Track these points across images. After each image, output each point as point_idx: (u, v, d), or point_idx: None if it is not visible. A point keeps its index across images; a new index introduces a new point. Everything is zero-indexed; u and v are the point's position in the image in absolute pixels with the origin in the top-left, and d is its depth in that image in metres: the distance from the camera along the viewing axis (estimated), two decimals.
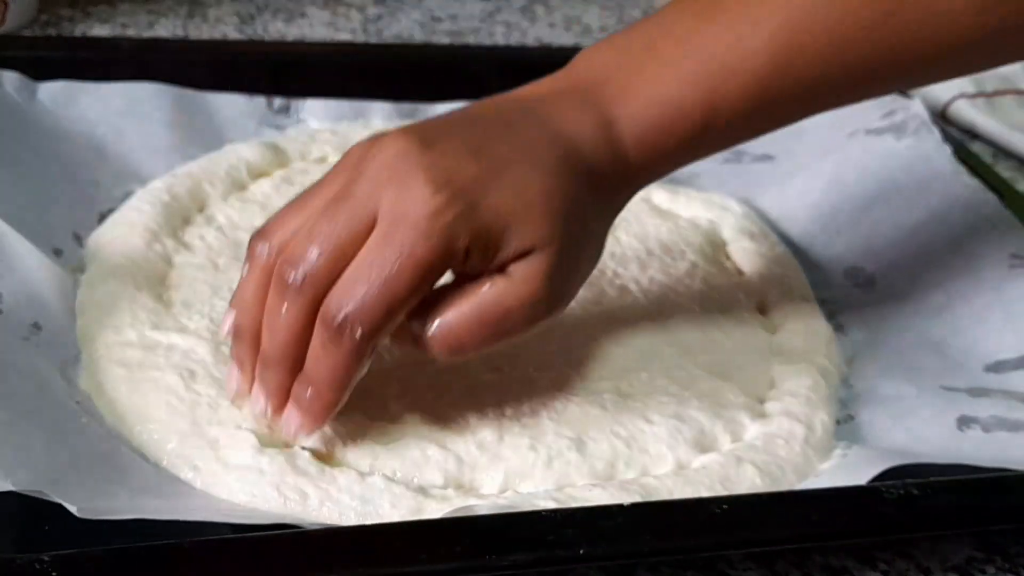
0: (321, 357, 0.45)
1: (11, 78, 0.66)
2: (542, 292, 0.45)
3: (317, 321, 0.44)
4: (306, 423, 0.47)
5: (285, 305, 0.45)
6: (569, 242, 0.46)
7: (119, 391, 0.50)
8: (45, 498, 0.42)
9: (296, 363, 0.46)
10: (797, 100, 0.50)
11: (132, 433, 0.49)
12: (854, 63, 0.49)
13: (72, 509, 0.41)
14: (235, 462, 0.47)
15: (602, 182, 0.48)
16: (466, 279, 0.46)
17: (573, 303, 0.58)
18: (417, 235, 0.43)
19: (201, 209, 0.63)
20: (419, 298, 0.44)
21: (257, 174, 0.66)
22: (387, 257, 0.43)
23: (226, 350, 0.53)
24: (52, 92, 0.67)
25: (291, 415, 0.47)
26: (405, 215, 0.43)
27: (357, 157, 0.46)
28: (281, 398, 0.47)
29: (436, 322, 0.45)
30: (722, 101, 0.48)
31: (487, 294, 0.45)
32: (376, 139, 0.46)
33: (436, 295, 0.46)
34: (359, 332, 0.43)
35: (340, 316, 0.43)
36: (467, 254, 0.44)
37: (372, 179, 0.44)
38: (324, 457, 0.48)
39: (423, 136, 0.45)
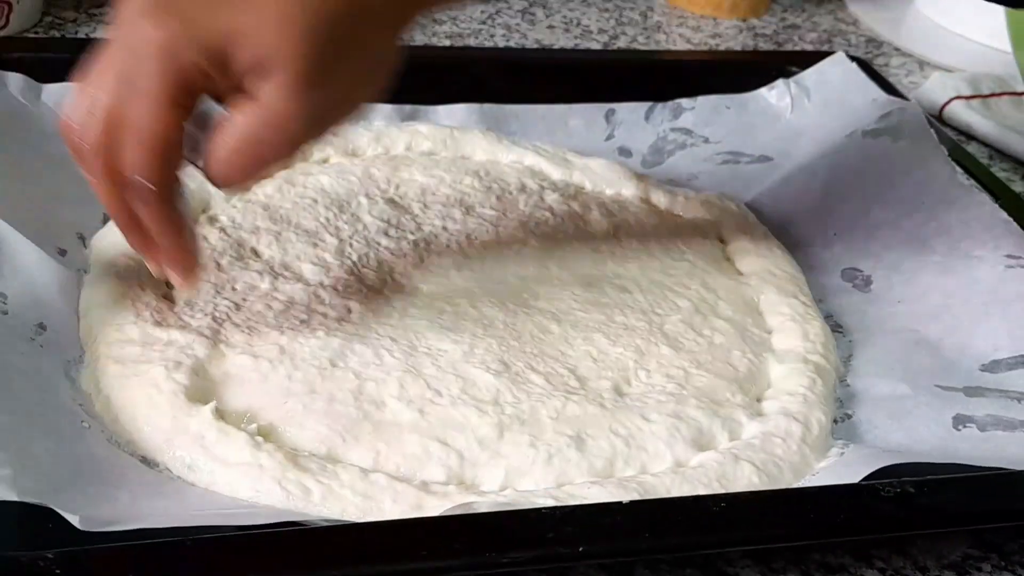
0: (143, 214, 0.47)
1: (16, 80, 0.67)
2: (290, 111, 0.45)
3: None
4: (176, 270, 0.49)
5: (95, 183, 0.47)
6: (321, 55, 0.44)
7: (112, 388, 0.51)
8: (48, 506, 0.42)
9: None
10: None
11: (127, 431, 0.49)
12: None
13: (74, 521, 0.41)
14: (235, 459, 0.47)
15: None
16: (233, 106, 0.46)
17: (573, 302, 0.59)
18: (146, 70, 0.44)
19: (204, 210, 0.63)
20: (179, 124, 0.45)
21: None
22: (131, 103, 0.44)
23: (224, 348, 0.53)
24: (56, 94, 0.67)
25: (168, 268, 0.50)
26: (138, 53, 0.44)
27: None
28: (153, 257, 0.50)
29: (207, 155, 0.46)
30: None
31: (239, 121, 0.46)
32: None
33: (217, 126, 0.46)
34: (146, 182, 0.46)
35: (123, 175, 0.46)
36: (206, 74, 0.44)
37: (117, 32, 0.46)
38: (326, 454, 0.49)
39: None
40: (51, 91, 0.68)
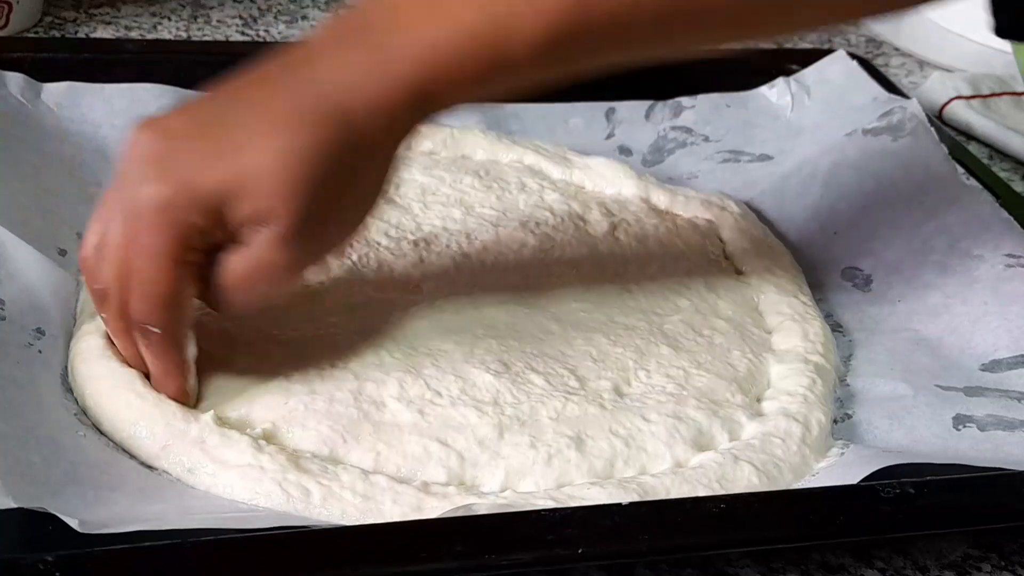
0: (147, 355, 0.49)
1: (15, 79, 0.67)
2: (279, 258, 0.47)
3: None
4: (177, 397, 0.50)
5: (106, 318, 0.49)
6: (312, 204, 0.46)
7: (87, 395, 0.50)
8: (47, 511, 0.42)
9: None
10: (595, 39, 0.48)
11: (120, 439, 0.49)
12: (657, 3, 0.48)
13: (73, 523, 0.41)
14: (236, 461, 0.47)
15: (376, 121, 0.47)
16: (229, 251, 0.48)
17: (572, 302, 0.59)
18: (148, 230, 0.46)
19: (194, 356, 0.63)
20: (186, 278, 0.47)
21: None
22: (138, 260, 0.46)
23: (210, 353, 0.52)
24: (56, 93, 0.67)
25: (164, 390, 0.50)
26: (136, 214, 0.46)
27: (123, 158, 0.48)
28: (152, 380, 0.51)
29: (212, 291, 0.48)
30: (516, 31, 0.46)
31: (232, 263, 0.47)
32: (134, 134, 0.47)
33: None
34: (156, 330, 0.48)
35: (136, 322, 0.48)
36: (204, 231, 0.46)
37: (123, 182, 0.47)
38: (328, 455, 0.49)
39: (162, 126, 0.47)
40: (51, 91, 0.68)
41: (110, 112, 0.68)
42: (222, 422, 0.49)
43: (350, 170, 0.47)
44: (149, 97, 0.69)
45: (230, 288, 0.48)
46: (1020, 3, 0.54)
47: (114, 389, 0.50)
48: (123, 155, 0.47)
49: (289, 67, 0.48)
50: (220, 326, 0.54)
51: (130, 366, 0.51)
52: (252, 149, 0.45)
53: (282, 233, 0.46)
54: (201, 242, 0.47)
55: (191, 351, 0.50)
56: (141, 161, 0.46)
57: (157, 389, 0.50)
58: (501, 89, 0.49)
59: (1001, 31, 0.55)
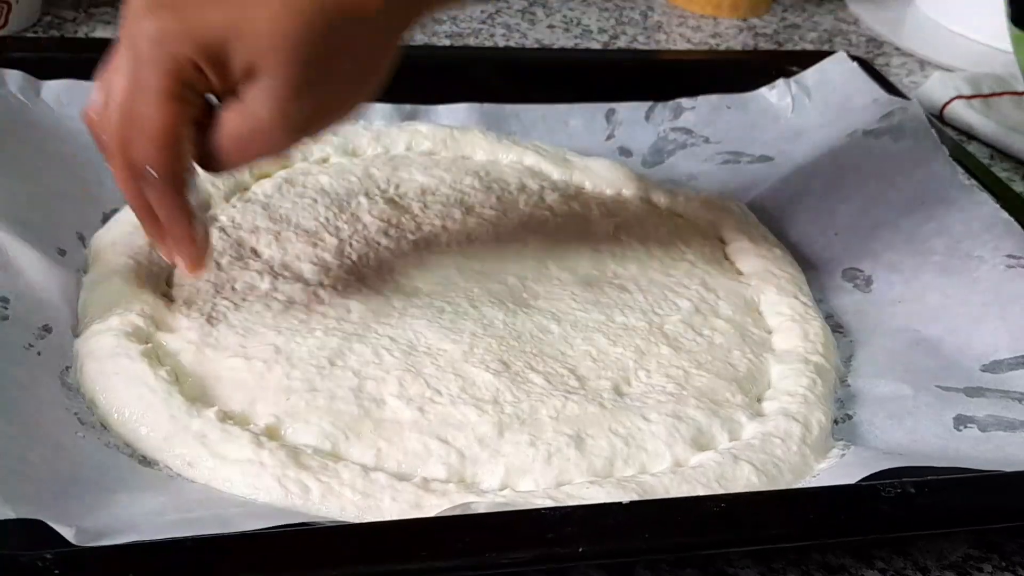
0: (154, 202, 0.50)
1: (15, 77, 0.67)
2: (275, 120, 0.47)
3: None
4: (183, 256, 0.52)
5: (114, 171, 0.50)
6: (307, 63, 0.46)
7: (96, 390, 0.51)
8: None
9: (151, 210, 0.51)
10: None
11: (121, 434, 0.49)
12: None
13: (68, 535, 0.41)
14: (236, 456, 0.47)
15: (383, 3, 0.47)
16: (225, 104, 0.48)
17: (572, 302, 0.59)
18: (146, 64, 0.46)
19: (205, 209, 0.63)
20: (186, 117, 0.47)
21: (259, 175, 0.67)
22: (137, 97, 0.47)
23: (210, 351, 0.53)
24: (56, 91, 0.67)
25: (176, 254, 0.52)
26: (138, 50, 0.46)
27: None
28: (164, 244, 0.52)
29: (204, 146, 0.49)
30: None
31: (226, 121, 0.48)
32: None
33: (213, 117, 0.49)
34: (155, 172, 0.48)
35: (136, 166, 0.48)
36: (200, 70, 0.46)
37: (124, 23, 0.47)
38: (330, 451, 0.49)
39: None
40: (51, 89, 0.67)
41: None
42: (225, 417, 0.49)
43: (346, 38, 0.47)
44: None
45: (224, 144, 0.48)
46: None
47: (127, 385, 0.50)
48: (125, 3, 0.48)
49: None
50: (222, 324, 0.54)
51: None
52: (261, 1, 0.45)
53: (277, 88, 0.46)
54: (200, 84, 0.47)
55: (195, 197, 0.50)
56: (141, 1, 0.47)
57: (165, 242, 0.51)
58: None
59: (1018, 20, 0.54)
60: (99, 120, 0.49)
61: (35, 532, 0.41)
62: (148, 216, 0.51)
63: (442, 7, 0.51)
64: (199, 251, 0.52)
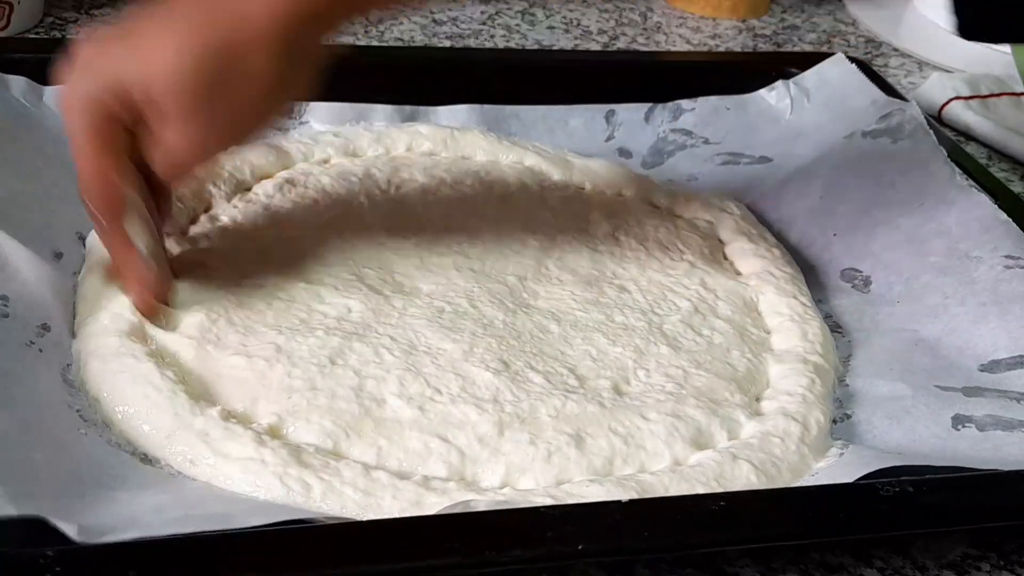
0: (100, 239, 0.56)
1: (18, 83, 0.67)
2: (179, 141, 0.53)
3: None
4: (130, 291, 0.55)
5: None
6: (195, 91, 0.52)
7: (100, 388, 0.51)
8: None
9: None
10: None
11: (123, 431, 0.49)
12: None
13: (71, 532, 0.41)
14: (238, 454, 0.48)
15: (255, 28, 0.52)
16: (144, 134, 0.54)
17: (572, 302, 0.60)
18: (77, 114, 0.53)
19: (206, 209, 0.64)
20: (118, 154, 0.53)
21: (260, 176, 0.67)
22: (75, 152, 0.53)
23: (211, 349, 0.53)
24: (58, 96, 0.67)
25: (126, 289, 0.56)
26: (66, 105, 0.54)
27: None
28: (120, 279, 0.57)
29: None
30: None
31: (149, 148, 0.54)
32: (76, 48, 0.54)
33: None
34: (95, 204, 0.54)
35: (85, 201, 0.54)
36: (118, 114, 0.52)
37: (66, 87, 0.54)
38: (332, 449, 0.49)
39: (95, 36, 0.54)
40: (53, 93, 0.68)
41: None
42: (228, 415, 0.50)
43: (231, 65, 0.52)
44: None
45: (156, 166, 0.54)
46: (980, 3, 0.55)
47: (131, 384, 0.50)
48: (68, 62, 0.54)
49: None
50: (223, 322, 0.54)
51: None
52: (156, 48, 0.52)
53: (175, 117, 0.52)
54: (123, 122, 0.53)
55: (143, 243, 0.55)
56: (77, 65, 0.53)
57: (125, 286, 0.55)
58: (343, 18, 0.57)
59: (963, 31, 0.56)
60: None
61: (36, 530, 0.41)
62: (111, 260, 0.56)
63: (350, 21, 0.58)
64: (144, 291, 0.55)
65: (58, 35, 0.83)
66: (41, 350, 0.52)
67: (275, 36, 0.53)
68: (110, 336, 0.52)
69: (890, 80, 0.83)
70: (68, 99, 0.54)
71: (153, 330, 0.54)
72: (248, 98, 0.53)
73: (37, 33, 0.83)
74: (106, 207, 0.54)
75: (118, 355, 0.52)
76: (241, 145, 0.58)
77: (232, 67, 0.52)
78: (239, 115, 0.54)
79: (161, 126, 0.53)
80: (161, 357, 0.52)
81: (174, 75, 0.51)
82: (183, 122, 0.53)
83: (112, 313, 0.54)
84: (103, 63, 0.53)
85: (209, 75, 0.52)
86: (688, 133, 0.78)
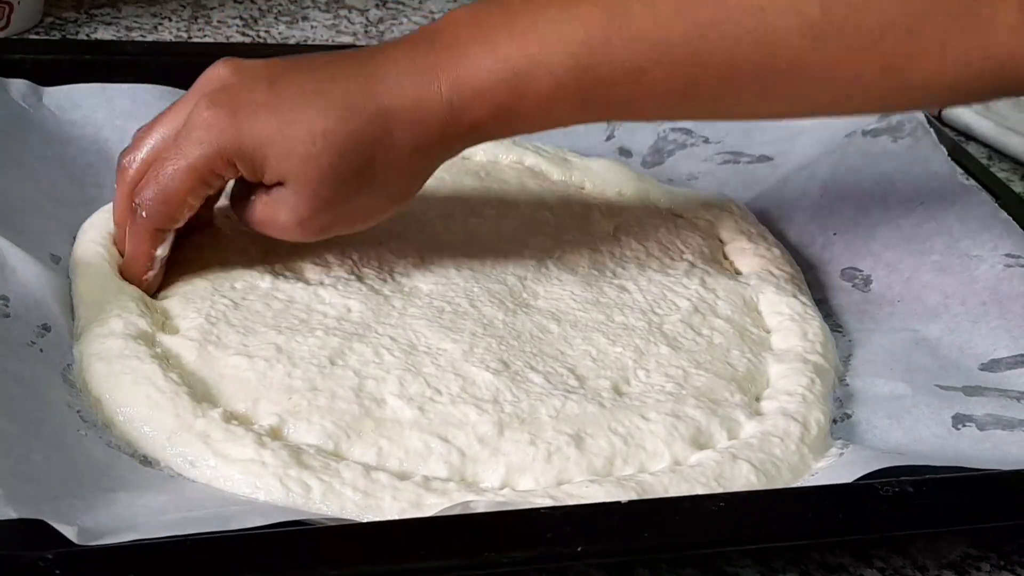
0: (128, 234, 0.55)
1: (18, 85, 0.67)
2: (289, 219, 0.53)
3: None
4: (126, 272, 0.56)
5: (117, 185, 0.56)
6: (330, 181, 0.52)
7: (103, 389, 0.51)
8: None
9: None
10: (607, 100, 0.53)
11: (124, 432, 0.49)
12: (670, 68, 0.52)
13: (71, 534, 0.41)
14: (238, 456, 0.48)
15: (405, 125, 0.52)
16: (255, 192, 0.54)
17: (572, 302, 0.60)
18: (191, 143, 0.52)
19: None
20: (202, 193, 0.54)
21: None
22: (169, 159, 0.53)
23: (213, 349, 0.53)
24: (58, 97, 0.68)
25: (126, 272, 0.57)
26: (190, 126, 0.52)
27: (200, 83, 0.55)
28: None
29: (238, 206, 0.56)
30: (527, 88, 0.52)
31: (254, 203, 0.54)
32: (218, 63, 0.55)
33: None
34: (144, 215, 0.54)
35: (135, 201, 0.54)
36: (235, 166, 0.52)
37: (191, 94, 0.54)
38: (333, 450, 0.49)
39: (246, 67, 0.54)
40: (52, 95, 0.68)
41: (112, 114, 0.68)
42: (230, 417, 0.50)
43: (369, 161, 0.52)
44: (151, 98, 0.69)
45: (249, 219, 0.55)
46: None
47: (134, 385, 0.50)
48: (202, 75, 0.54)
49: (358, 60, 0.54)
50: (223, 323, 0.54)
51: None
52: (296, 120, 0.51)
53: (297, 200, 0.53)
54: (228, 175, 0.53)
55: (162, 251, 0.55)
56: (212, 86, 0.53)
57: (121, 270, 0.56)
58: (528, 123, 0.54)
59: None
60: (134, 148, 0.55)
61: (36, 532, 0.41)
62: (121, 236, 0.56)
63: (465, 143, 0.55)
64: (144, 284, 0.56)
65: (58, 35, 0.83)
66: (42, 350, 0.52)
67: (419, 143, 0.53)
68: (115, 338, 0.52)
69: None
70: (196, 119, 0.52)
71: (155, 332, 0.54)
72: (374, 198, 0.54)
73: (37, 33, 0.83)
74: (158, 222, 0.54)
75: (122, 357, 0.51)
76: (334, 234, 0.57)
77: (370, 166, 0.52)
78: (359, 211, 0.55)
79: (280, 199, 0.53)
80: (165, 359, 0.52)
81: (316, 160, 0.51)
82: (306, 208, 0.53)
83: (116, 316, 0.54)
84: (240, 104, 0.52)
85: (350, 169, 0.52)
86: (688, 132, 0.78)
